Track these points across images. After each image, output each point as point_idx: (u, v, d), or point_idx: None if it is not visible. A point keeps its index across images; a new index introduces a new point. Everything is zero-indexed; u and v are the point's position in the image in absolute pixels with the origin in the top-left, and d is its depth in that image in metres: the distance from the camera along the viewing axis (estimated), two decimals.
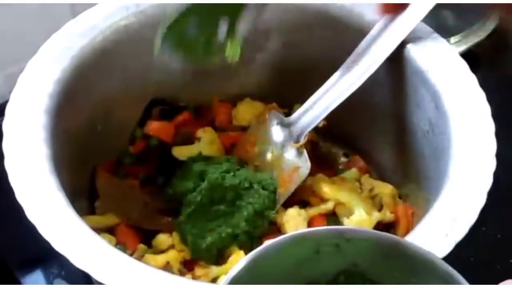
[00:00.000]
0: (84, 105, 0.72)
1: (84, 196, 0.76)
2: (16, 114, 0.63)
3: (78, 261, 0.52)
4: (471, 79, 0.68)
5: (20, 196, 0.56)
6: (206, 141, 0.82)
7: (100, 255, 0.53)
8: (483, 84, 0.68)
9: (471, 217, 0.57)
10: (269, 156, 0.78)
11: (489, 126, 0.64)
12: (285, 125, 0.78)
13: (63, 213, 0.56)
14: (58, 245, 0.53)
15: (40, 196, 0.57)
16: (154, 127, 0.82)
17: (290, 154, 0.76)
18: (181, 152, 0.81)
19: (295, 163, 0.76)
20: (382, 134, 0.82)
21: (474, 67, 0.70)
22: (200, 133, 0.83)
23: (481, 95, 0.66)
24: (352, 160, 0.85)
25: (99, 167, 0.77)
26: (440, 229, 0.56)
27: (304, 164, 0.74)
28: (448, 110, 0.66)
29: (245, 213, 0.73)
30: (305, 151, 0.75)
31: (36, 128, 0.62)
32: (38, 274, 0.82)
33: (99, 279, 0.51)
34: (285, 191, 0.75)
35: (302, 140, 0.75)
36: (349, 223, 0.73)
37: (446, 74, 0.69)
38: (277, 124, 0.79)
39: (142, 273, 0.53)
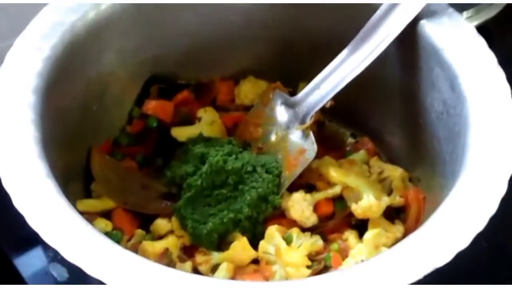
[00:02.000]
0: (77, 83, 0.68)
1: (79, 179, 0.72)
2: (2, 94, 0.59)
3: (70, 255, 0.49)
4: (490, 58, 0.64)
5: (7, 183, 0.52)
6: (207, 122, 0.78)
7: (92, 247, 0.50)
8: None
9: (492, 206, 0.53)
10: (273, 137, 0.75)
11: (510, 109, 0.59)
12: (290, 105, 0.74)
13: (53, 202, 0.53)
14: (48, 237, 0.49)
15: (28, 183, 0.53)
16: (152, 106, 0.78)
17: (295, 135, 0.73)
18: (180, 133, 0.78)
19: (300, 145, 0.72)
20: (392, 114, 0.77)
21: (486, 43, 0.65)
22: (200, 113, 0.79)
23: (500, 75, 0.62)
24: (360, 142, 0.81)
25: (94, 148, 0.74)
26: (457, 219, 0.53)
27: (310, 147, 0.71)
28: (465, 91, 0.62)
29: (248, 197, 0.69)
30: (311, 133, 0.71)
31: (24, 108, 0.58)
32: (32, 257, 0.78)
33: (93, 274, 0.48)
34: (290, 174, 0.72)
35: (308, 121, 0.72)
36: (357, 209, 0.70)
37: (463, 52, 0.64)
38: (282, 104, 0.75)
39: (137, 267, 0.50)
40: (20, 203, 0.51)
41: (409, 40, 0.68)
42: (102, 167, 0.73)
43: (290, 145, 0.72)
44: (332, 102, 0.73)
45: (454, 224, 0.52)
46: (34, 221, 0.50)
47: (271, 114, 0.75)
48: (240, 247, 0.68)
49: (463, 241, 0.51)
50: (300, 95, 0.73)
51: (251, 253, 0.68)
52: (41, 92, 0.60)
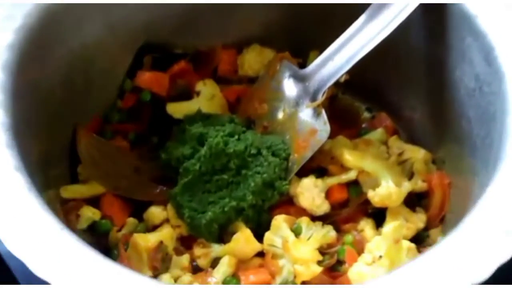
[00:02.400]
0: (56, 56, 0.60)
1: (63, 162, 0.65)
2: None
3: (37, 268, 0.41)
4: None
5: None
6: (207, 96, 0.71)
7: (61, 258, 0.43)
8: None
9: None
10: (280, 115, 0.67)
11: None
12: (300, 79, 0.66)
13: (20, 202, 0.45)
14: (13, 247, 0.42)
15: None
16: (145, 78, 0.70)
17: (305, 113, 0.65)
18: (176, 109, 0.70)
19: (311, 125, 0.64)
20: (415, 87, 0.69)
21: None
22: (199, 86, 0.71)
23: None
24: (377, 118, 0.73)
25: (80, 127, 0.66)
26: (497, 224, 0.45)
27: (323, 127, 0.63)
28: (503, 65, 0.54)
29: (252, 183, 0.62)
30: (323, 112, 0.64)
31: None
32: None
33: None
34: (299, 158, 0.64)
35: (320, 98, 0.64)
36: (374, 197, 0.62)
37: (501, 21, 0.56)
38: (290, 77, 0.67)
39: (106, 272, 0.42)
40: None
41: (437, 5, 0.60)
42: (89, 148, 0.66)
43: (300, 124, 0.65)
44: (347, 76, 0.65)
45: (492, 230, 0.45)
46: None
47: (278, 88, 0.68)
48: (243, 239, 0.61)
49: (504, 253, 0.43)
50: (311, 67, 0.65)
51: (255, 246, 0.61)
52: (12, 69, 0.53)
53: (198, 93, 0.71)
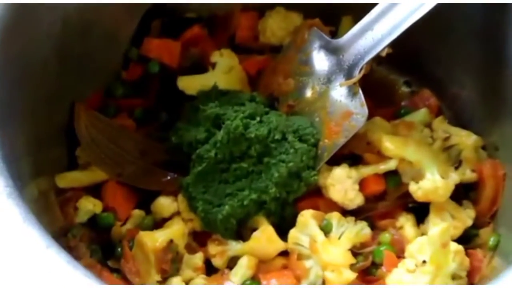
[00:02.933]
0: (48, 23, 0.53)
1: (60, 145, 0.58)
2: None
3: None
4: None
5: None
6: (223, 69, 0.63)
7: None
8: None
9: None
10: (309, 93, 0.59)
11: None
12: (332, 51, 0.58)
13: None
14: None
15: None
16: (153, 46, 0.64)
17: (339, 92, 0.57)
18: (189, 84, 0.63)
19: (346, 106, 0.57)
20: (465, 60, 0.62)
21: None
22: (215, 57, 0.64)
23: None
24: (419, 95, 0.65)
25: (79, 103, 0.59)
26: None
27: (360, 110, 0.56)
28: None
29: (276, 174, 0.55)
30: (360, 92, 0.56)
31: None
32: None
33: None
34: (331, 144, 0.57)
35: (357, 75, 0.55)
36: (417, 190, 0.54)
37: None
38: (321, 48, 0.59)
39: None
40: None
41: None
42: (89, 128, 0.59)
43: (332, 105, 0.57)
44: (389, 49, 0.56)
45: None
46: None
47: (306, 61, 0.60)
48: (265, 237, 0.55)
49: None
50: (346, 37, 0.57)
51: (278, 245, 0.55)
52: None
53: (213, 65, 0.64)
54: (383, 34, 0.54)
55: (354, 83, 0.56)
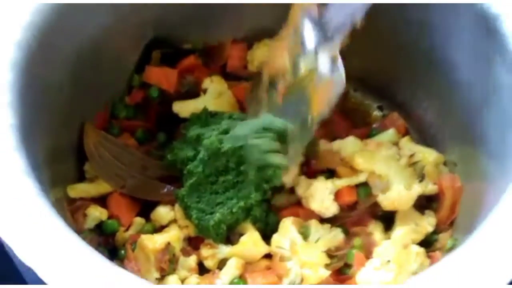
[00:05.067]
0: (66, 51, 0.59)
1: (70, 160, 0.65)
2: None
3: (46, 275, 0.41)
4: None
5: None
6: (214, 94, 0.69)
7: (71, 264, 0.42)
8: None
9: None
10: (302, 70, 0.61)
11: None
12: (320, 26, 0.60)
13: (29, 207, 0.45)
14: (23, 254, 0.42)
15: (2, 183, 0.45)
16: (154, 74, 0.70)
17: (323, 64, 0.59)
18: (182, 108, 0.68)
19: (328, 75, 0.59)
20: (428, 88, 0.68)
21: None
22: (206, 83, 0.69)
23: None
24: (389, 118, 0.71)
25: (88, 123, 0.65)
26: None
27: (339, 78, 0.58)
28: None
29: (252, 173, 0.60)
30: (339, 59, 0.59)
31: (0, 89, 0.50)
32: None
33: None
34: (316, 116, 0.60)
35: (337, 41, 0.58)
36: (384, 200, 0.62)
37: None
38: (310, 24, 0.61)
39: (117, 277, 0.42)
40: None
41: (455, 5, 0.59)
42: (96, 145, 0.65)
43: (318, 77, 0.60)
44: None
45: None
46: (6, 233, 0.42)
47: (298, 41, 0.62)
48: (251, 241, 0.61)
49: None
50: (330, 9, 0.59)
51: (263, 248, 0.61)
52: (20, 67, 0.52)
53: (205, 91, 0.69)
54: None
55: (335, 54, 0.58)
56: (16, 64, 0.52)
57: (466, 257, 0.45)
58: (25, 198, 0.45)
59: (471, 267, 0.44)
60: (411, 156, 0.66)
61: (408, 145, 0.67)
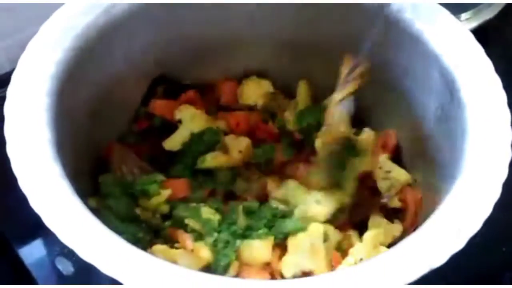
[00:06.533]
0: (86, 85, 0.69)
1: (87, 177, 0.73)
2: (18, 97, 0.60)
3: (86, 255, 0.51)
4: (487, 65, 0.65)
5: (24, 184, 0.54)
6: (188, 119, 0.78)
7: (107, 246, 0.52)
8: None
9: (486, 210, 0.56)
10: None
11: (505, 116, 0.62)
12: None
13: (67, 201, 0.54)
14: (65, 238, 0.51)
15: (43, 184, 0.55)
16: (158, 105, 0.79)
17: None
18: (172, 144, 0.78)
19: None
20: (399, 116, 0.78)
21: (483, 45, 0.67)
22: (177, 115, 0.77)
23: (497, 82, 0.64)
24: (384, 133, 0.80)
25: (117, 144, 0.75)
26: (453, 222, 0.55)
27: None
28: (464, 97, 0.64)
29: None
30: None
31: (40, 111, 0.60)
32: (36, 247, 0.80)
33: (109, 274, 0.50)
34: None
35: None
36: None
37: (462, 59, 0.66)
38: None
39: (152, 266, 0.51)
40: (36, 204, 0.53)
41: (409, 44, 0.70)
42: (120, 163, 0.74)
43: None
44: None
45: (450, 227, 0.55)
46: (51, 222, 0.52)
47: None
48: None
49: (458, 243, 0.53)
50: None
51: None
52: (54, 95, 0.62)
53: (180, 121, 0.78)
54: None
55: None
56: (51, 93, 0.61)
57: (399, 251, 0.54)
58: (62, 196, 0.54)
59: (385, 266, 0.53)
60: (388, 171, 0.76)
61: (388, 164, 0.76)
